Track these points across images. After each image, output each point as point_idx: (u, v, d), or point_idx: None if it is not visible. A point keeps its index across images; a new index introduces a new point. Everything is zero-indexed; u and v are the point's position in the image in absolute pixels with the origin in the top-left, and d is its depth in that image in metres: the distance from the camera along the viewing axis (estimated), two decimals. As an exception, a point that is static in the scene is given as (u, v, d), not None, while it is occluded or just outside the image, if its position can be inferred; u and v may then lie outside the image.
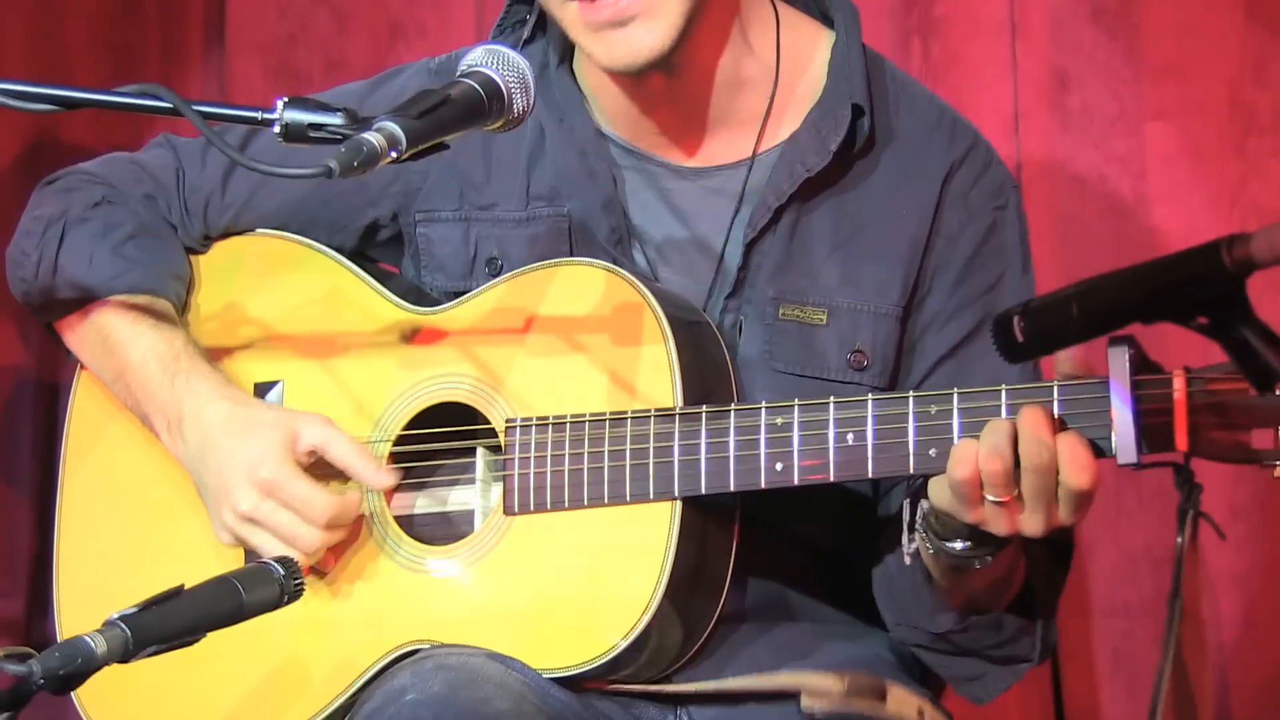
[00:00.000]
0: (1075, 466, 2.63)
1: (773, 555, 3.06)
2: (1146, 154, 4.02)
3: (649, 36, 2.97)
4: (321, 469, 3.09)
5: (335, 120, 2.70)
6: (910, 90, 3.20)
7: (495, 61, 2.83)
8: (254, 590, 2.57)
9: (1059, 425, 2.66)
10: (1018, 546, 2.83)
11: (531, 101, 2.84)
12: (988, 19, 4.08)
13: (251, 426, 3.10)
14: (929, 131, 3.15)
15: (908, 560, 2.86)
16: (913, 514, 2.84)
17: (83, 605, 3.26)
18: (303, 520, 3.04)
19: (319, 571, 3.08)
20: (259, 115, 2.73)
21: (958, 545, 2.79)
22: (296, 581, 2.62)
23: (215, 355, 3.23)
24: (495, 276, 3.13)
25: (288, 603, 2.62)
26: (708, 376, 2.97)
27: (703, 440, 2.89)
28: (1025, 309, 2.50)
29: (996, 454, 2.66)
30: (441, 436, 3.08)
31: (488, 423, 3.04)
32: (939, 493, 2.74)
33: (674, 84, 3.08)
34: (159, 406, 3.17)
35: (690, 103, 3.11)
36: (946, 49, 4.10)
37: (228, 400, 3.14)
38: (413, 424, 3.10)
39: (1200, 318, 2.32)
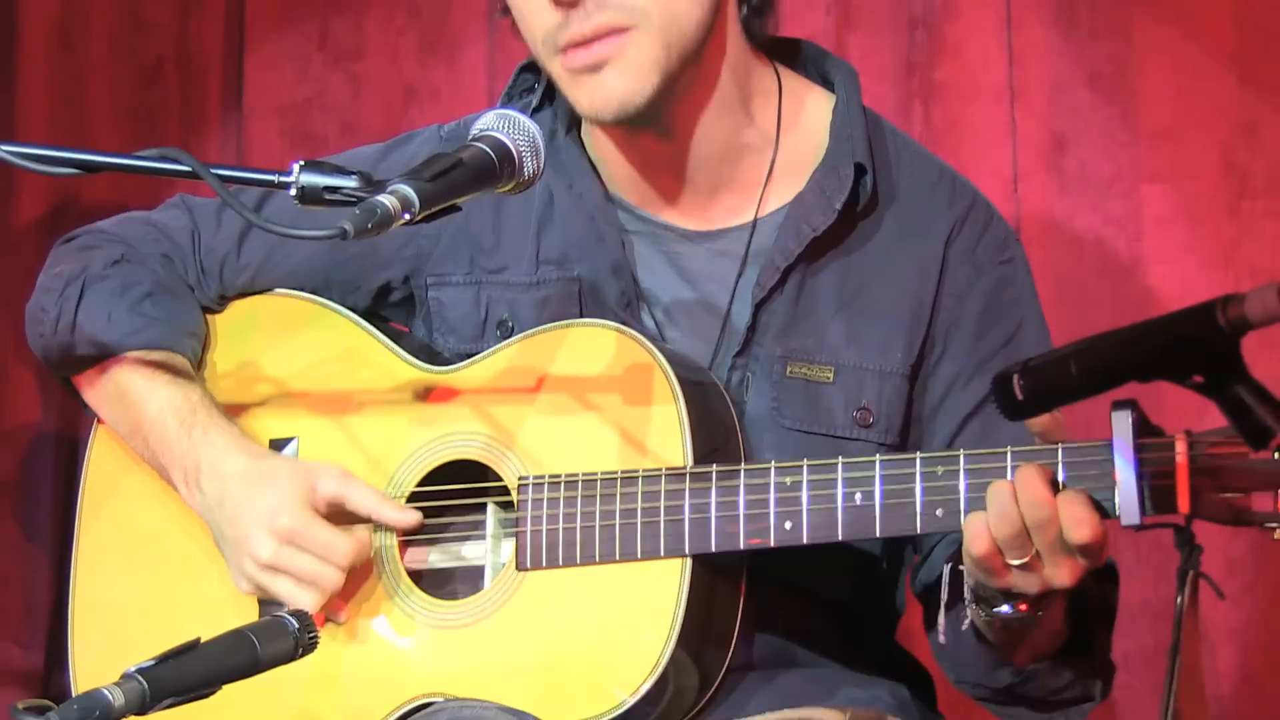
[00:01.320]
0: (1073, 523, 2.63)
1: (778, 608, 3.05)
2: (1143, 215, 4.03)
3: (621, 82, 2.97)
4: (335, 518, 3.08)
5: (350, 183, 2.70)
6: (910, 149, 3.20)
7: (506, 125, 2.84)
8: (269, 643, 2.57)
9: (1055, 481, 2.66)
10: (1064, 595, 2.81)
11: (542, 165, 2.85)
12: (987, 84, 4.10)
13: (269, 477, 3.10)
14: (929, 189, 3.15)
15: (942, 638, 2.87)
16: (953, 589, 2.83)
17: (97, 657, 3.25)
18: (325, 563, 3.04)
19: (333, 623, 3.07)
20: (276, 178, 2.73)
21: (1007, 609, 2.77)
22: (311, 635, 2.62)
23: (231, 412, 3.22)
24: (506, 338, 3.13)
25: (302, 655, 2.61)
26: (716, 436, 2.96)
27: (713, 499, 2.88)
28: (1024, 367, 2.50)
29: (1005, 519, 2.65)
30: (454, 494, 3.08)
31: (500, 480, 3.04)
32: (973, 542, 2.71)
33: (672, 149, 3.09)
34: (176, 459, 3.17)
35: (691, 169, 3.12)
36: (947, 113, 4.12)
37: (244, 453, 3.14)
38: (426, 481, 3.09)
39: (1196, 376, 2.32)
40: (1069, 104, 4.07)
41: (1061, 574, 2.67)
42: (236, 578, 3.11)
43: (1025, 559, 2.66)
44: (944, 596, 2.85)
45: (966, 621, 2.84)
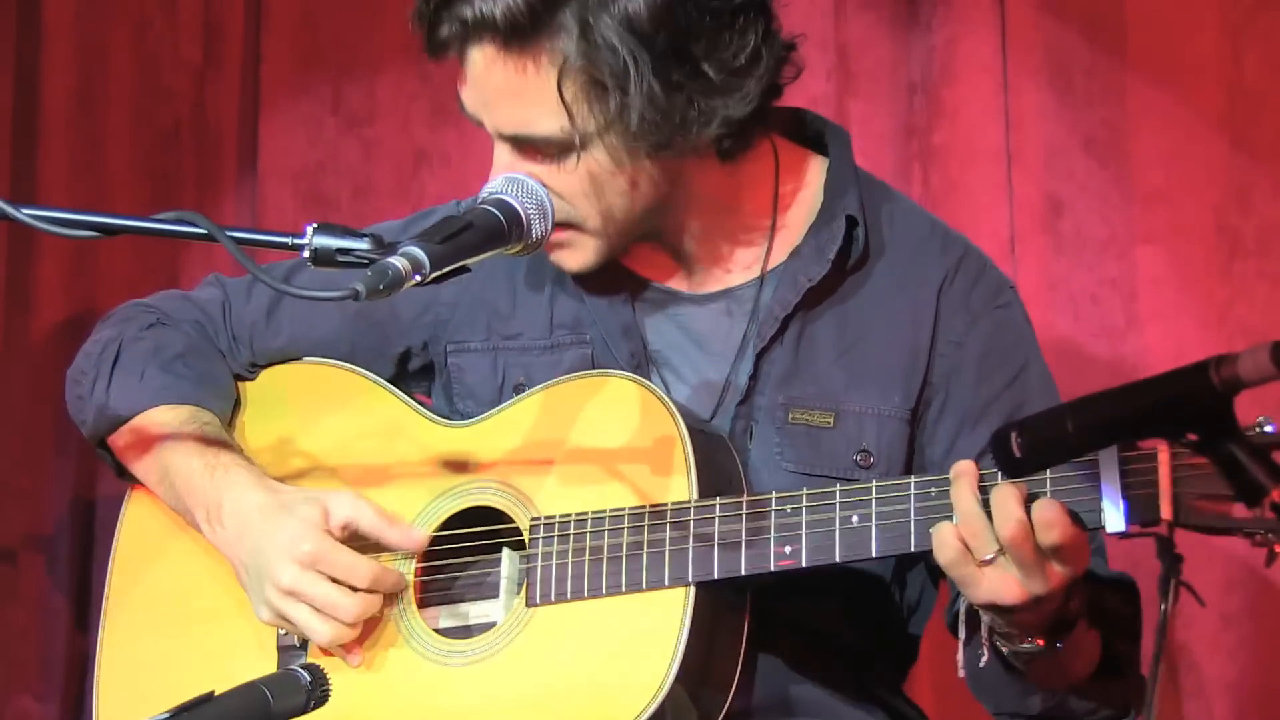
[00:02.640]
0: (1043, 526, 2.65)
1: (783, 649, 3.05)
2: (1137, 276, 4.03)
3: (576, 260, 3.07)
4: (354, 545, 3.09)
5: (362, 245, 2.71)
6: (902, 205, 3.22)
7: (514, 189, 2.86)
8: (282, 697, 2.57)
9: (1028, 499, 2.68)
10: (1086, 619, 2.82)
11: (550, 227, 2.87)
12: (984, 148, 4.11)
13: (287, 507, 3.11)
14: (921, 242, 3.16)
15: (961, 673, 2.86)
16: (969, 629, 2.84)
17: (119, 710, 3.25)
18: (344, 589, 3.04)
19: (346, 659, 3.08)
20: (289, 240, 2.74)
21: (1027, 645, 2.79)
22: (323, 688, 2.61)
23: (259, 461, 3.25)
24: None
25: (314, 709, 2.61)
26: (720, 480, 2.97)
27: (715, 528, 2.89)
28: (1022, 425, 2.50)
29: (972, 517, 2.69)
30: (471, 537, 3.09)
31: (515, 524, 3.05)
32: (940, 548, 2.74)
33: (667, 244, 3.13)
34: (199, 498, 3.19)
35: (688, 251, 3.15)
36: (946, 176, 4.13)
37: (264, 489, 3.15)
38: (445, 527, 3.10)
39: (1190, 434, 2.33)
40: (1064, 167, 4.08)
41: (1037, 581, 2.68)
42: (257, 606, 3.12)
43: (990, 554, 2.67)
44: (961, 634, 2.87)
45: (984, 659, 2.84)
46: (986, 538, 2.68)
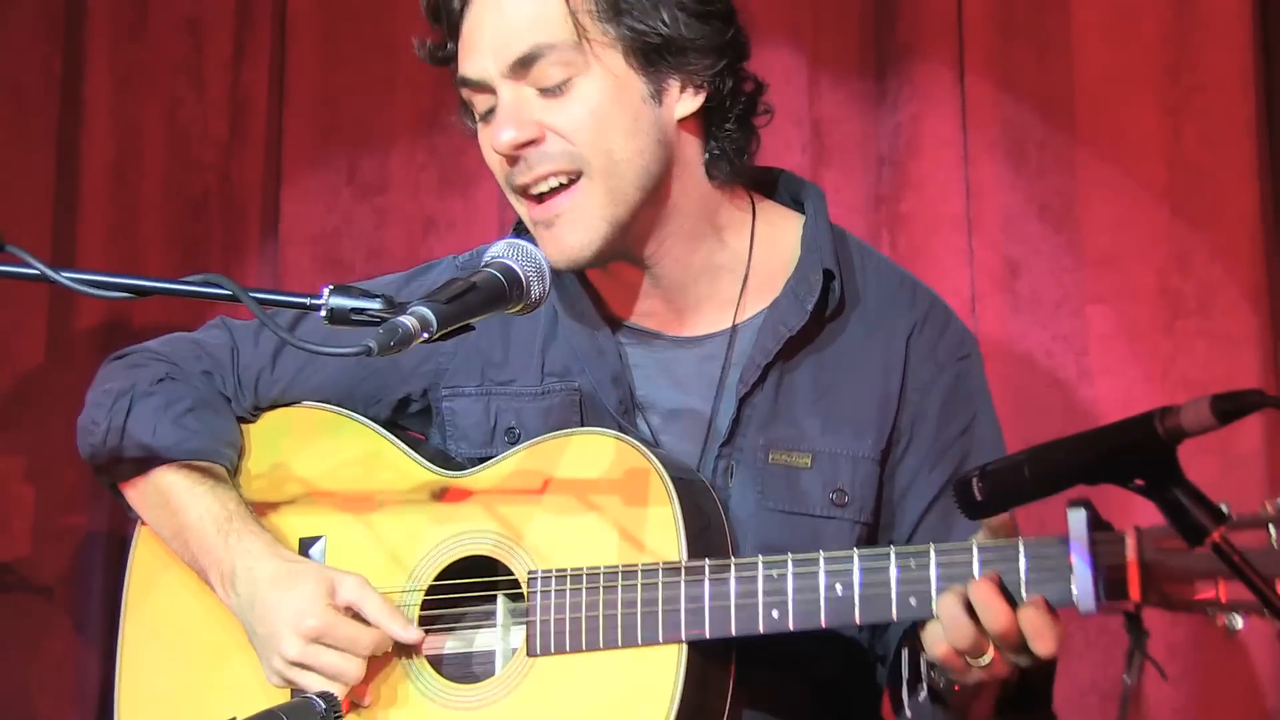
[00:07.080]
0: (1035, 635, 2.62)
1: (767, 690, 3.02)
2: (1088, 333, 4.04)
3: (573, 235, 2.99)
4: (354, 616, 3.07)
5: (374, 305, 2.70)
6: (874, 259, 3.22)
7: (515, 253, 2.85)
8: (298, 724, 2.55)
9: (1004, 587, 2.65)
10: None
11: (547, 288, 2.86)
12: (947, 215, 4.12)
13: (295, 580, 3.08)
14: (892, 294, 3.16)
15: (909, 713, 2.83)
16: (913, 668, 2.81)
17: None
18: (349, 656, 3.02)
19: (356, 706, 3.05)
20: (308, 300, 2.73)
21: (968, 679, 2.74)
22: (336, 714, 2.60)
23: (264, 513, 3.21)
24: (514, 444, 3.12)
25: (329, 734, 2.59)
26: (706, 530, 2.95)
27: (706, 591, 2.86)
28: (982, 472, 2.51)
29: (959, 631, 2.65)
30: (468, 586, 3.06)
31: (510, 574, 3.02)
32: (933, 646, 2.71)
33: (649, 276, 3.11)
34: (214, 562, 3.15)
35: (671, 289, 3.12)
36: (911, 241, 4.14)
37: (276, 558, 3.12)
38: (443, 575, 3.07)
39: (1138, 480, 2.33)
40: (1020, 233, 4.09)
41: (1023, 658, 2.66)
42: (268, 673, 3.09)
43: (988, 659, 2.65)
44: (906, 674, 2.83)
45: (923, 694, 2.81)
46: (981, 643, 2.64)
